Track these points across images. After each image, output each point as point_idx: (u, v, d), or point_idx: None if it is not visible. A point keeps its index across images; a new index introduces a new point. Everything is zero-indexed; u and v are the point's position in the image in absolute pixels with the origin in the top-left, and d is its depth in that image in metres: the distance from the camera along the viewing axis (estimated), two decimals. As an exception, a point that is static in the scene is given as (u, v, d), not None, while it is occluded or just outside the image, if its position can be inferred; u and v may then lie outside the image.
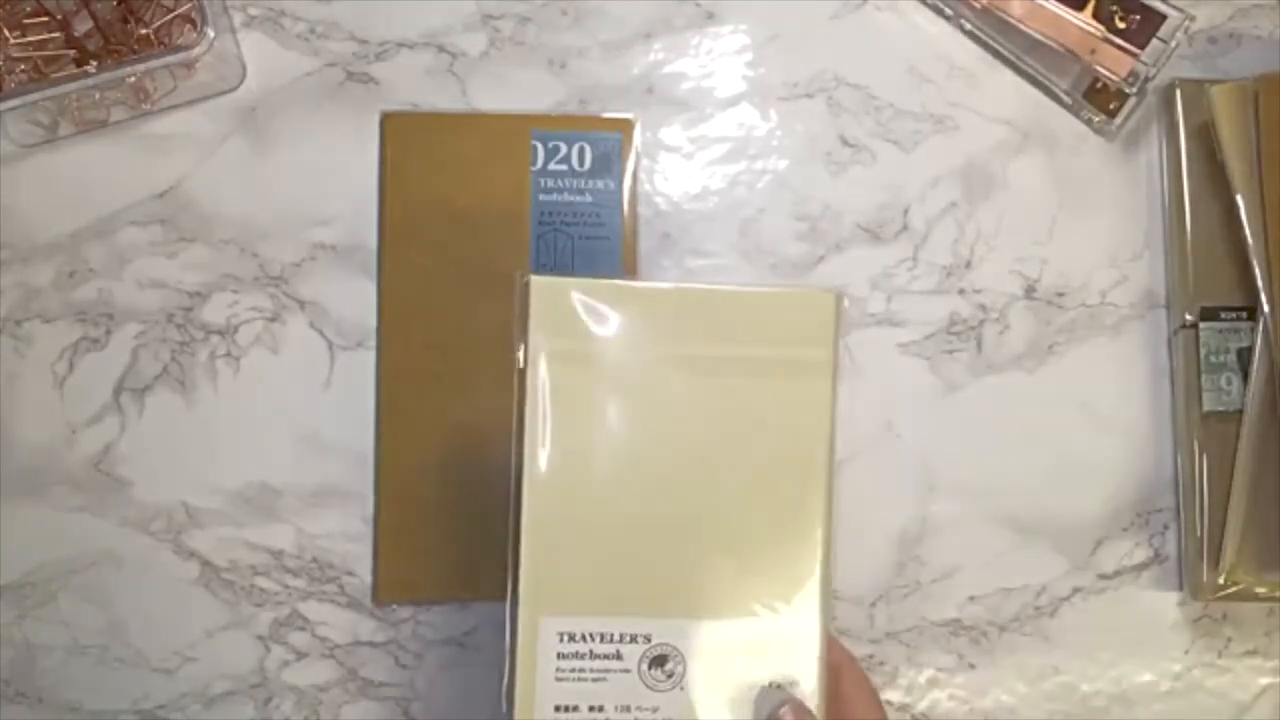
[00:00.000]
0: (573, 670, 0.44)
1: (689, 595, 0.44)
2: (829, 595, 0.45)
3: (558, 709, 0.43)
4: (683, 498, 0.45)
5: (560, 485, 0.44)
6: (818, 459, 0.45)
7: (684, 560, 0.45)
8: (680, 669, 0.44)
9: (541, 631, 0.43)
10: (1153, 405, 0.61)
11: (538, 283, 0.45)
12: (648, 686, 0.44)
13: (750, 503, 0.45)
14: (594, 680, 0.44)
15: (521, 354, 0.44)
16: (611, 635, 0.44)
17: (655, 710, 0.44)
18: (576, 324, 0.45)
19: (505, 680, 0.43)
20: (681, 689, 0.44)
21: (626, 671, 0.44)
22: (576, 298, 0.45)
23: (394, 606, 0.58)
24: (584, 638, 0.44)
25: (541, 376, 0.44)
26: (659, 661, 0.44)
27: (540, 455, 0.44)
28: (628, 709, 0.44)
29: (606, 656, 0.44)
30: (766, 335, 0.46)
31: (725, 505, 0.45)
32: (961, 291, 0.62)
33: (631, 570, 0.44)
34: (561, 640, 0.43)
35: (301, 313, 0.60)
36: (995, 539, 0.60)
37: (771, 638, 0.44)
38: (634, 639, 0.44)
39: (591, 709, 0.44)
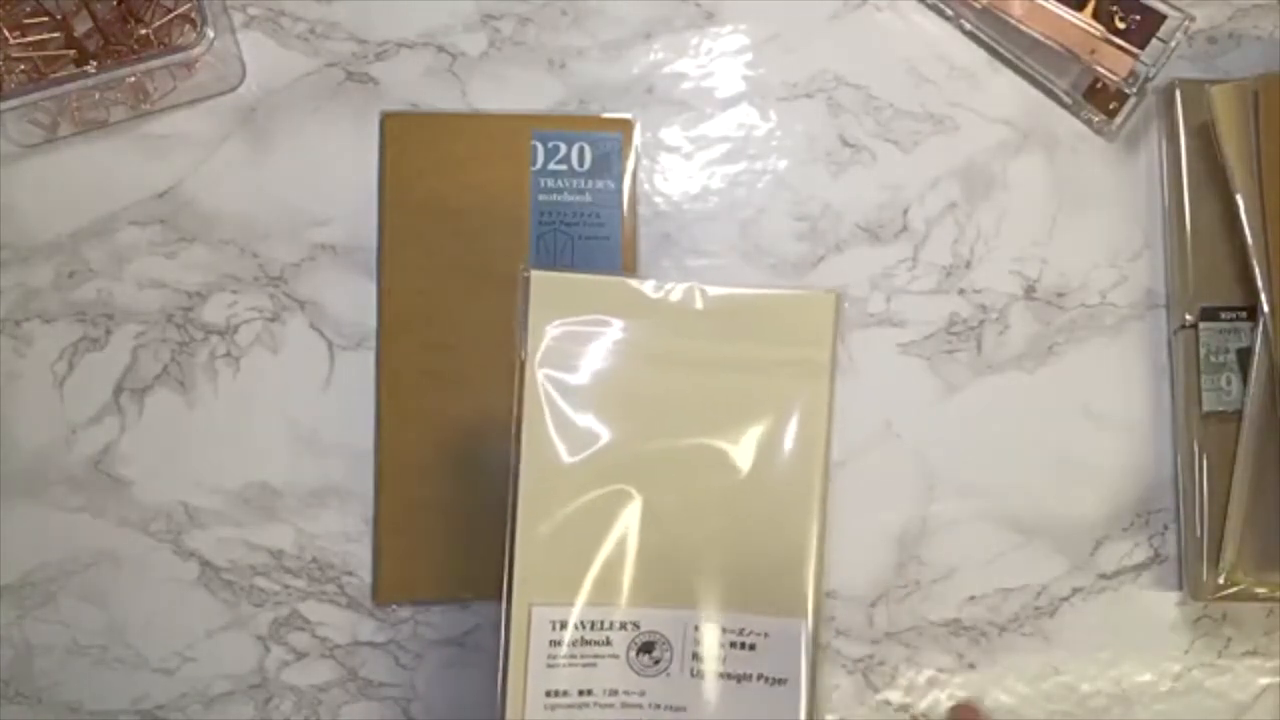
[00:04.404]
0: (564, 657, 0.44)
1: (680, 587, 0.45)
2: (821, 593, 0.45)
3: (548, 694, 0.44)
4: (678, 492, 0.45)
5: (556, 476, 0.44)
6: (814, 458, 0.46)
7: (677, 553, 0.45)
8: (668, 656, 0.44)
9: (534, 619, 0.44)
10: (1153, 405, 0.61)
11: (539, 277, 0.45)
12: (635, 672, 0.44)
13: (744, 499, 0.45)
14: (584, 666, 0.44)
15: (522, 347, 0.44)
16: (602, 623, 0.44)
17: (642, 694, 0.44)
18: (577, 319, 0.45)
19: (501, 670, 0.44)
20: (668, 675, 0.44)
21: (615, 657, 0.44)
22: (578, 293, 0.45)
23: (394, 606, 0.58)
24: (575, 625, 0.44)
25: (541, 369, 0.44)
26: (647, 648, 0.45)
27: (538, 446, 0.44)
28: (615, 693, 0.44)
29: (597, 643, 0.44)
30: (766, 335, 0.46)
31: (719, 501, 0.45)
32: (961, 291, 0.62)
33: (624, 560, 0.45)
34: (553, 628, 0.44)
35: (301, 313, 0.60)
36: (995, 539, 0.60)
37: (759, 632, 0.45)
38: (623, 626, 0.44)
39: (581, 693, 0.44)
